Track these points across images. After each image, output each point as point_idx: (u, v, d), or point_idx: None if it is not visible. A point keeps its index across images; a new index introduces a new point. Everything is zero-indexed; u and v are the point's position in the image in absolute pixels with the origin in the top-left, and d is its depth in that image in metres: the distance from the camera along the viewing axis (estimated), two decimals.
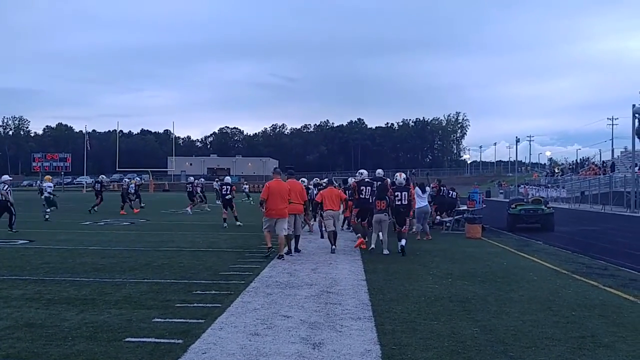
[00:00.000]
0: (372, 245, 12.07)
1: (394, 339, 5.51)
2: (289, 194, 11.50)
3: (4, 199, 16.24)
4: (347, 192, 15.36)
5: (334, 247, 12.26)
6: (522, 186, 51.96)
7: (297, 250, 12.02)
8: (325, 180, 20.02)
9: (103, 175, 29.40)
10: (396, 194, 12.40)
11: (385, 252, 11.83)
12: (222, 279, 8.62)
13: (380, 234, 12.20)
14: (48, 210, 21.12)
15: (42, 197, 22.65)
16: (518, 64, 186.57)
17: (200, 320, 6.07)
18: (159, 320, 6.10)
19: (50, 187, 22.64)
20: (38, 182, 35.26)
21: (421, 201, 15.28)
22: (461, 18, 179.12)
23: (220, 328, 5.82)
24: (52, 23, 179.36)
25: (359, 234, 12.88)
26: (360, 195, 12.98)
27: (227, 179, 20.92)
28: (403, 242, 11.83)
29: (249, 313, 6.48)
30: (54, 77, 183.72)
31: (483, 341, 5.48)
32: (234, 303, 6.96)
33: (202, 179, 25.43)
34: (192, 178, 27.77)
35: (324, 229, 13.89)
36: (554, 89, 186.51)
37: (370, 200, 12.70)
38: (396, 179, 13.01)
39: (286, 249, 11.53)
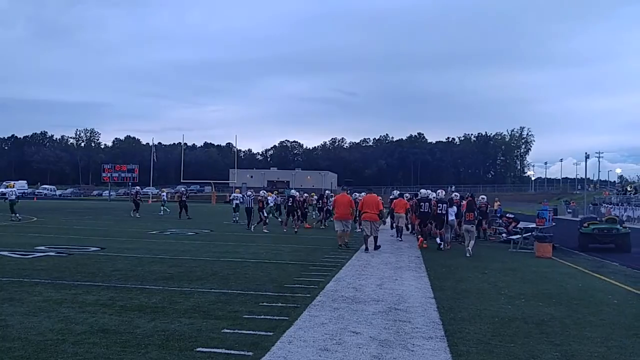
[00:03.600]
0: (469, 252, 14.32)
1: None
2: (363, 205, 15.20)
3: (249, 206, 23.24)
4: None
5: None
6: (604, 205, 46.78)
7: (377, 247, 14.97)
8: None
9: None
10: (439, 205, 16.36)
11: (468, 255, 14.11)
12: (288, 292, 8.57)
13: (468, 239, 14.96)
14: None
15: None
16: (585, 77, 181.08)
17: (269, 333, 6.02)
18: (228, 331, 6.09)
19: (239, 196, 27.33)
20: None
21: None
22: (525, 31, 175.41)
23: (289, 342, 5.74)
24: (125, 40, 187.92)
25: (420, 236, 17.07)
26: (421, 209, 17.30)
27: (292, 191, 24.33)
28: (439, 240, 15.87)
29: (317, 327, 6.38)
30: (125, 91, 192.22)
31: None
32: (301, 316, 6.89)
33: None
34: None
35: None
36: (624, 104, 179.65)
37: (429, 212, 16.71)
38: (438, 194, 17.61)
39: (345, 240, 15.66)
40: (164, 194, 38.20)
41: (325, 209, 24.92)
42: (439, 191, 18.33)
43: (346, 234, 15.65)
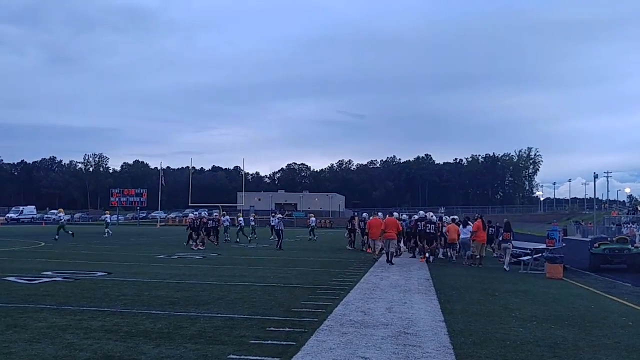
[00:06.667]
0: (506, 268, 16.44)
1: None
2: (385, 226, 18.25)
3: (277, 228, 25.66)
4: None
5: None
6: (626, 226, 42.97)
7: (391, 263, 17.30)
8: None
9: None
10: (427, 225, 19.16)
11: (507, 268, 16.30)
12: (295, 316, 8.45)
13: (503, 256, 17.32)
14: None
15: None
16: (593, 97, 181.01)
17: (275, 359, 5.91)
18: (234, 357, 5.99)
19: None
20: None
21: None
22: (531, 52, 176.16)
23: None
24: (133, 66, 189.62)
25: (421, 254, 19.65)
26: (418, 229, 19.71)
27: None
28: (431, 258, 18.88)
29: (325, 353, 6.26)
30: (133, 116, 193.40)
31: None
32: (309, 342, 6.76)
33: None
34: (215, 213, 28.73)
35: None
36: (632, 123, 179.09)
37: (427, 231, 19.19)
38: (428, 215, 20.01)
39: (376, 253, 19.65)
40: (108, 216, 40.54)
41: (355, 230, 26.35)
42: (428, 212, 21.11)
43: (377, 249, 19.22)
